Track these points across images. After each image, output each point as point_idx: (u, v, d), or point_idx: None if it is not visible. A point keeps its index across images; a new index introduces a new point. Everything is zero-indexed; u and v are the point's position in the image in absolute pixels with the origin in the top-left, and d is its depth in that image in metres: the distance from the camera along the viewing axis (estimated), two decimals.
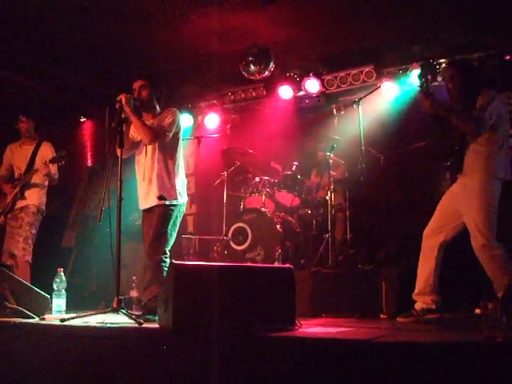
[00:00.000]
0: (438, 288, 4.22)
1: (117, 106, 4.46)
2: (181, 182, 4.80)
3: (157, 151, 4.70)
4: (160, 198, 4.62)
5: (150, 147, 4.71)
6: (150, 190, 4.68)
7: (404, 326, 3.97)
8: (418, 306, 4.25)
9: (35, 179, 6.00)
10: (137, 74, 4.82)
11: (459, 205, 4.16)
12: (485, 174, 4.05)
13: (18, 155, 6.18)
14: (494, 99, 4.13)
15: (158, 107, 4.85)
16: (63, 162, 5.80)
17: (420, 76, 4.36)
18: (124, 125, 4.49)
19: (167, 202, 4.63)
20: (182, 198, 4.78)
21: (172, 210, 4.66)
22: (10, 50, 6.89)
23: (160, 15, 6.08)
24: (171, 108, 4.83)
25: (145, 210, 4.80)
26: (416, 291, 4.27)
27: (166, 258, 4.58)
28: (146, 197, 4.72)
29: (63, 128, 8.44)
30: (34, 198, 5.99)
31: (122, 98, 4.48)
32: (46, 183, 6.10)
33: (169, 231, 4.64)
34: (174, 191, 4.70)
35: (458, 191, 4.21)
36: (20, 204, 5.94)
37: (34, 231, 5.94)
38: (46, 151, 6.09)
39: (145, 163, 4.73)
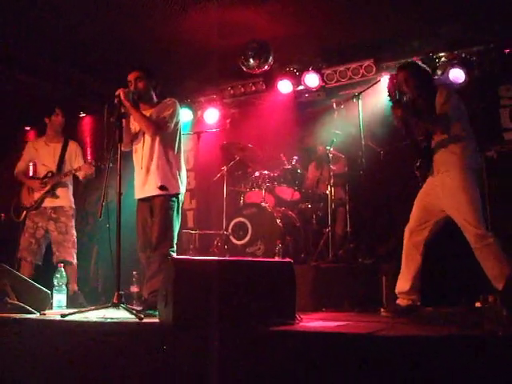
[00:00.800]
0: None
1: (115, 101, 4.45)
2: (181, 173, 4.79)
3: (157, 142, 4.69)
4: (161, 188, 4.59)
5: (148, 137, 4.70)
6: (148, 180, 4.66)
7: (403, 320, 3.99)
8: (404, 302, 4.27)
9: (66, 179, 6.04)
10: (131, 66, 4.81)
11: (440, 202, 4.19)
12: (461, 170, 4.10)
13: (43, 153, 6.12)
14: (451, 95, 4.22)
15: (154, 97, 4.84)
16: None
17: (388, 89, 4.41)
18: (123, 120, 4.50)
19: (168, 193, 4.62)
20: (183, 188, 4.78)
21: (173, 201, 4.66)
22: (9, 46, 6.87)
23: (159, 10, 6.07)
24: (170, 98, 4.82)
25: (141, 200, 4.77)
26: (405, 289, 4.27)
27: (172, 251, 4.58)
28: (142, 186, 4.70)
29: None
30: (67, 198, 6.04)
31: (121, 92, 4.48)
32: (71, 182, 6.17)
33: (173, 222, 4.63)
34: (176, 181, 4.70)
35: (435, 188, 4.23)
36: (52, 203, 5.96)
37: (75, 233, 6.04)
38: (76, 150, 6.13)
39: (143, 152, 4.71)
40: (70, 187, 6.12)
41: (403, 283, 4.29)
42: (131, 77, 4.73)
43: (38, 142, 6.22)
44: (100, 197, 4.52)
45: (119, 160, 4.42)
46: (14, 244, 6.12)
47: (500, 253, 3.92)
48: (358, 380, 2.64)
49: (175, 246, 4.63)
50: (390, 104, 4.38)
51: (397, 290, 4.34)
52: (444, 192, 4.15)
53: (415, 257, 4.26)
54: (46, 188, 5.93)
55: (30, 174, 6.07)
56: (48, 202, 5.94)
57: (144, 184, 4.69)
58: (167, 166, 4.69)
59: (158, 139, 4.68)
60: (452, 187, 4.09)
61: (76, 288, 5.77)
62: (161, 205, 4.61)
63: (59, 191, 5.97)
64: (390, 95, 4.39)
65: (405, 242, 4.34)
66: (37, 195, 5.96)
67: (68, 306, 5.08)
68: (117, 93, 4.48)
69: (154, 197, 4.64)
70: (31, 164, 6.08)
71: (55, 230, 5.91)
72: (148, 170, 4.67)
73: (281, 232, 6.17)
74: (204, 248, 7.46)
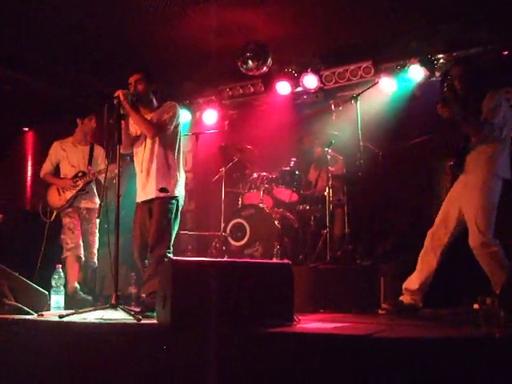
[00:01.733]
0: None
1: (114, 103, 4.45)
2: (180, 175, 4.80)
3: (156, 144, 4.70)
4: (161, 190, 4.60)
5: (149, 140, 4.71)
6: (149, 182, 4.67)
7: (402, 320, 3.99)
8: (407, 299, 4.27)
9: (93, 179, 6.10)
10: (131, 69, 4.82)
11: (460, 202, 4.18)
12: (487, 173, 4.10)
13: (72, 154, 6.12)
14: (501, 103, 4.18)
15: (154, 101, 4.85)
16: None
17: (442, 84, 4.39)
18: (122, 121, 4.50)
19: (168, 195, 4.63)
20: (182, 190, 4.79)
21: (173, 204, 4.66)
22: (9, 46, 6.87)
23: (158, 11, 6.06)
24: (171, 102, 4.84)
25: (141, 202, 4.77)
26: (412, 287, 4.28)
27: (169, 252, 4.57)
28: (143, 189, 4.72)
29: (62, 124, 8.42)
30: (95, 199, 6.11)
31: (120, 94, 4.48)
32: None
33: (172, 224, 4.63)
34: (175, 183, 4.70)
35: (459, 189, 4.24)
36: (86, 204, 6.01)
37: None
38: (102, 154, 6.12)
39: (143, 155, 4.72)
40: (95, 189, 6.18)
41: (413, 281, 4.30)
42: (132, 79, 4.74)
43: (65, 143, 6.20)
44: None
45: (118, 161, 4.42)
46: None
47: (503, 261, 3.93)
48: (356, 382, 2.64)
49: (171, 247, 4.62)
50: (441, 100, 4.28)
51: (404, 285, 4.34)
52: (465, 192, 4.16)
53: (431, 260, 4.27)
54: (79, 187, 5.97)
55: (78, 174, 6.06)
56: (82, 203, 5.99)
57: (144, 187, 4.71)
58: (167, 168, 4.69)
59: (157, 142, 4.69)
60: (472, 188, 4.11)
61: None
62: (160, 206, 4.62)
63: (91, 192, 6.06)
64: (442, 93, 4.33)
65: (425, 243, 4.35)
66: (68, 194, 5.97)
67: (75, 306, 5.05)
68: (116, 94, 4.48)
69: (153, 199, 4.65)
70: (62, 164, 6.12)
71: (87, 230, 5.98)
72: (148, 173, 4.68)
73: (279, 233, 6.17)
74: (202, 249, 7.45)
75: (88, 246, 5.95)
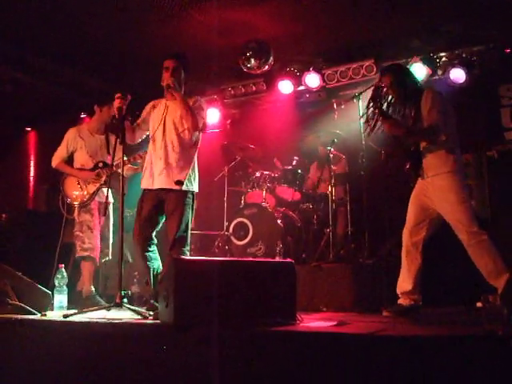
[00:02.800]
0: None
1: (117, 104, 4.43)
2: (196, 173, 4.72)
3: (186, 137, 4.62)
4: (179, 183, 4.47)
5: (172, 129, 4.59)
6: (166, 172, 4.51)
7: (404, 320, 3.99)
8: (406, 302, 4.28)
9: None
10: (170, 53, 4.69)
11: (433, 203, 4.22)
12: (450, 172, 4.13)
13: (90, 142, 5.62)
14: (437, 99, 4.22)
15: (182, 90, 4.70)
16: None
17: (372, 102, 4.39)
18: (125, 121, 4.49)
19: (185, 188, 4.52)
20: (197, 188, 4.69)
21: (190, 198, 4.56)
22: (9, 46, 6.88)
23: (159, 10, 6.07)
24: (200, 98, 4.78)
25: (148, 190, 4.58)
26: (407, 289, 4.28)
27: (188, 250, 4.52)
28: (158, 175, 4.53)
29: (63, 123, 8.43)
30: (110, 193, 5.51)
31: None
32: None
33: (191, 220, 4.56)
34: (193, 180, 4.63)
35: (427, 190, 4.27)
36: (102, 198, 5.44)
37: None
38: (117, 145, 5.58)
39: (165, 142, 4.57)
40: None
41: (405, 283, 4.30)
42: (170, 64, 4.61)
43: (83, 131, 5.66)
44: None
45: (122, 162, 4.42)
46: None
47: (493, 249, 3.95)
48: (358, 380, 2.64)
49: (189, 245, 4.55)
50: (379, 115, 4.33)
51: (398, 291, 4.34)
52: (435, 194, 4.19)
53: (415, 256, 4.28)
54: (102, 179, 5.45)
55: (90, 166, 5.55)
56: (103, 197, 5.35)
57: (160, 174, 4.52)
58: (188, 162, 4.61)
59: (187, 135, 4.61)
60: (442, 189, 4.13)
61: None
62: (178, 199, 4.48)
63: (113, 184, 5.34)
64: (374, 103, 4.36)
65: (404, 242, 4.36)
66: (91, 188, 5.48)
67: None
68: (117, 95, 4.45)
69: (169, 190, 4.50)
70: (78, 153, 5.59)
71: (106, 225, 5.60)
72: (167, 162, 4.52)
73: (281, 232, 6.17)
74: (205, 248, 7.45)
75: (106, 241, 5.57)
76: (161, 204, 4.55)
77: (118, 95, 4.45)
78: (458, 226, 4.05)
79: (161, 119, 4.64)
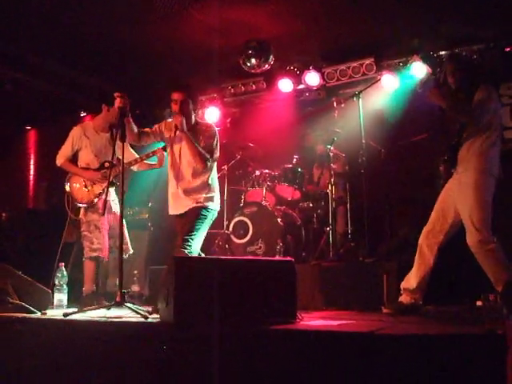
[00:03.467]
0: None
1: (118, 103, 4.44)
2: (216, 191, 4.86)
3: (195, 168, 4.72)
4: (197, 202, 4.69)
5: (186, 153, 4.70)
6: (185, 200, 4.71)
7: (405, 318, 3.99)
8: (407, 300, 4.27)
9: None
10: (175, 85, 4.79)
11: (455, 201, 4.18)
12: (478, 171, 4.09)
13: (96, 141, 5.53)
14: (491, 96, 4.19)
15: (193, 118, 4.85)
16: None
17: (442, 70, 4.43)
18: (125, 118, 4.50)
19: (200, 205, 4.69)
20: (217, 206, 4.85)
21: (206, 212, 4.71)
22: (9, 46, 6.88)
23: (160, 9, 6.06)
24: (211, 124, 4.93)
25: (174, 215, 4.81)
26: (411, 287, 4.28)
27: (190, 252, 4.55)
28: (177, 202, 4.76)
29: (63, 122, 8.44)
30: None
31: (177, 123, 4.55)
32: None
33: (201, 230, 4.68)
34: (212, 197, 4.78)
35: (453, 187, 4.24)
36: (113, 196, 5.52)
37: None
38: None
39: (179, 168, 4.75)
40: None
41: (411, 280, 4.29)
42: (177, 96, 4.71)
43: (88, 130, 5.55)
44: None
45: (122, 160, 4.43)
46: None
47: (501, 258, 3.92)
48: (359, 379, 2.64)
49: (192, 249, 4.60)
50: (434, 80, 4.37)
51: (402, 285, 4.33)
52: (459, 191, 4.16)
53: (427, 259, 4.26)
54: (109, 179, 5.09)
55: (96, 165, 5.47)
56: (109, 196, 5.23)
57: (178, 202, 4.75)
58: (204, 186, 4.76)
59: (199, 168, 4.70)
60: (466, 187, 4.10)
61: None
62: (192, 213, 4.67)
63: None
64: (437, 76, 4.38)
65: (420, 242, 4.33)
66: (98, 188, 5.40)
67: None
68: (116, 94, 4.46)
69: (188, 210, 4.71)
70: (83, 152, 5.50)
71: (116, 222, 5.39)
72: (184, 190, 4.73)
73: (281, 231, 6.17)
74: (205, 247, 7.44)
75: (116, 241, 5.34)
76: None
77: (117, 94, 4.45)
78: (469, 226, 4.02)
79: (172, 149, 4.82)
